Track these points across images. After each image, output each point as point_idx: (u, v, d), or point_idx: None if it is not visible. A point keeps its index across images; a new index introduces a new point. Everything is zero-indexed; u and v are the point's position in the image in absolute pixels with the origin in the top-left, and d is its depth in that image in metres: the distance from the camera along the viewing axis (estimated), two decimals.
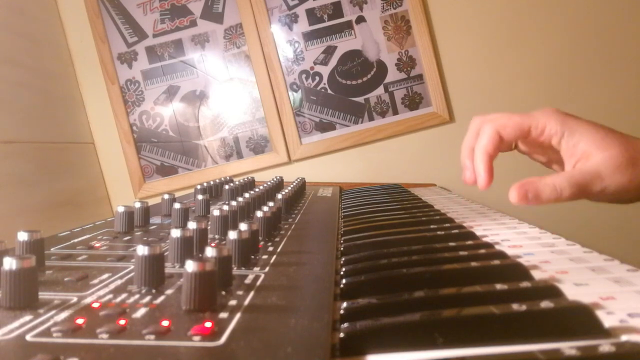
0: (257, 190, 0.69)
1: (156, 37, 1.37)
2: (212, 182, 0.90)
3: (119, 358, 0.23)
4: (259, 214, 0.50)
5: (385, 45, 1.34)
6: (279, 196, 0.66)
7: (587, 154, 0.47)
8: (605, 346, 0.23)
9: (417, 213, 0.66)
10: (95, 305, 0.30)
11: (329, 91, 1.35)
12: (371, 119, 1.34)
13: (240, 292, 0.32)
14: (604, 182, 0.45)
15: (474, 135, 0.53)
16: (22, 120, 1.09)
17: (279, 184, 0.90)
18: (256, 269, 0.38)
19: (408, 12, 1.33)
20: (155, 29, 1.37)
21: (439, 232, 0.52)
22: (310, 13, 1.35)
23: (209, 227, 0.45)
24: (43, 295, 0.31)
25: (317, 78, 1.35)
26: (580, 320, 0.26)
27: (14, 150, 1.03)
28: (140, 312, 0.29)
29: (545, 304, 0.27)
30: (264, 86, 1.35)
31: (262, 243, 0.48)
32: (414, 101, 1.33)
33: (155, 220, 0.62)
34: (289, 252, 0.45)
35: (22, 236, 0.37)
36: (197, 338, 0.25)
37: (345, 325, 0.28)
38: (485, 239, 0.49)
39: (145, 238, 0.51)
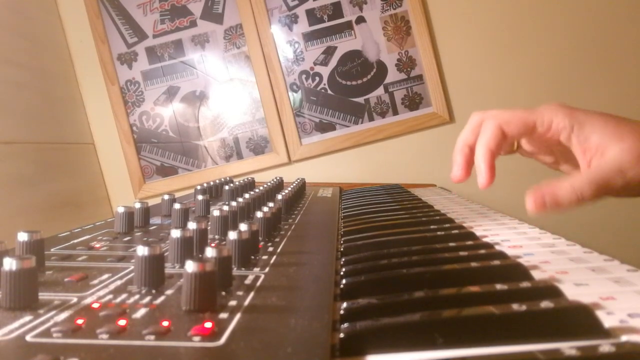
0: (257, 190, 0.69)
1: (156, 38, 1.37)
2: (212, 183, 0.90)
3: (119, 358, 0.23)
4: (259, 214, 0.50)
5: (385, 45, 1.34)
6: (279, 197, 0.66)
7: (602, 148, 0.44)
8: (605, 346, 0.23)
9: (417, 213, 0.66)
10: (95, 305, 0.30)
11: (329, 91, 1.35)
12: (371, 119, 1.34)
13: (240, 293, 0.32)
14: (626, 176, 0.42)
15: (472, 131, 0.49)
16: (22, 120, 1.09)
17: (279, 185, 0.90)
18: (256, 269, 0.38)
19: (408, 12, 1.33)
20: (155, 30, 1.37)
21: (439, 233, 0.52)
22: (310, 13, 1.35)
23: (209, 228, 0.45)
24: (43, 295, 0.31)
25: (317, 78, 1.35)
26: (580, 320, 0.26)
27: (14, 151, 1.03)
28: (140, 313, 0.29)
29: (545, 304, 0.27)
30: (264, 86, 1.35)
31: (262, 243, 0.48)
32: (414, 101, 1.33)
33: (155, 220, 0.62)
34: (289, 252, 0.45)
35: (22, 236, 0.37)
36: (197, 338, 0.25)
37: (345, 325, 0.28)
38: (485, 239, 0.49)
39: (145, 238, 0.51)
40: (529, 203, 0.43)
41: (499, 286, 0.32)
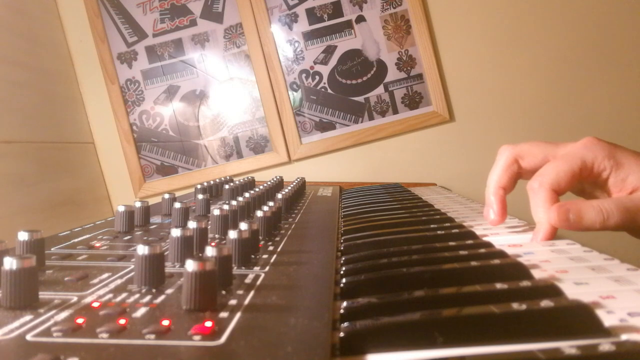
0: (257, 189, 0.69)
1: (156, 37, 1.37)
2: (212, 182, 0.90)
3: (119, 357, 0.23)
4: (259, 213, 0.50)
5: (385, 44, 1.34)
6: (279, 196, 0.66)
7: (638, 187, 0.44)
8: (605, 345, 0.23)
9: (417, 212, 0.66)
10: (96, 304, 0.30)
11: (329, 91, 1.35)
12: (371, 118, 1.34)
13: (240, 292, 0.32)
14: None
15: (504, 172, 0.49)
16: (22, 120, 1.09)
17: (279, 184, 0.90)
18: (256, 268, 0.38)
19: (408, 11, 1.33)
20: (155, 29, 1.37)
21: (439, 232, 0.52)
22: (310, 12, 1.35)
23: (209, 227, 0.45)
24: (43, 295, 0.31)
25: (317, 77, 1.35)
26: (580, 319, 0.26)
27: (14, 150, 1.03)
28: (141, 312, 0.29)
29: (545, 303, 0.27)
30: (264, 86, 1.35)
31: (262, 242, 0.48)
32: (414, 100, 1.33)
33: (156, 219, 0.62)
34: (289, 251, 0.45)
35: (23, 236, 0.37)
36: (197, 337, 0.25)
37: (345, 324, 0.28)
38: (485, 239, 0.49)
39: (145, 237, 0.51)
40: (551, 215, 0.43)
41: (499, 285, 0.32)
